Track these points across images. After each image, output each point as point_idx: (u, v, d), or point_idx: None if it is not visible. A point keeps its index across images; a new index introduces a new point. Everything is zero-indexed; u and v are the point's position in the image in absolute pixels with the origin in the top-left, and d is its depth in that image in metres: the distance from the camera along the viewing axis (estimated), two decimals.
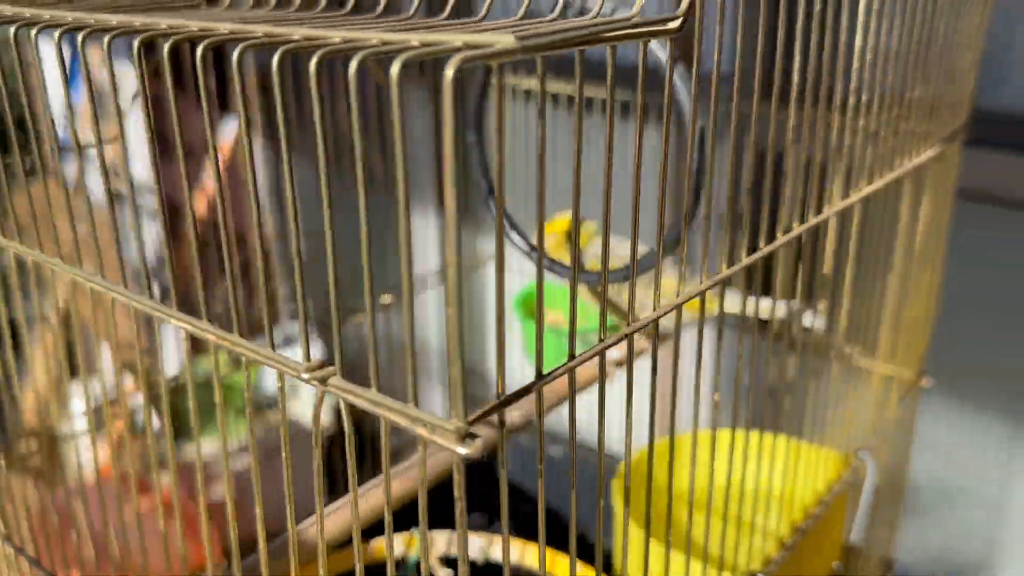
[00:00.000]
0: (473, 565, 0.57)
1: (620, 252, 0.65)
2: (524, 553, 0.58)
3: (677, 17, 0.33)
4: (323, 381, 0.31)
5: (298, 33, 0.29)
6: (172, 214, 2.24)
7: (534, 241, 0.55)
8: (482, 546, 0.57)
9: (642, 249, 0.60)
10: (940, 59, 0.59)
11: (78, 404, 1.35)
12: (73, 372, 1.25)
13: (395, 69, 0.24)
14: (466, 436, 0.28)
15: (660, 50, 0.50)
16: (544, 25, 0.31)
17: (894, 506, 0.77)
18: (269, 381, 1.70)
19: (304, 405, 1.31)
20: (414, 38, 0.27)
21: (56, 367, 1.46)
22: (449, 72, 0.24)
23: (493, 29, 0.32)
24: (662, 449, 0.47)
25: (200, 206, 1.86)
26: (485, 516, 0.89)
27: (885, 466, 0.72)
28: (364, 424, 1.35)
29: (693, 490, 0.46)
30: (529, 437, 0.90)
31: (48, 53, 0.38)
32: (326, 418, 1.60)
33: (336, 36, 0.29)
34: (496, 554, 0.57)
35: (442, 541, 0.58)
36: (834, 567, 0.65)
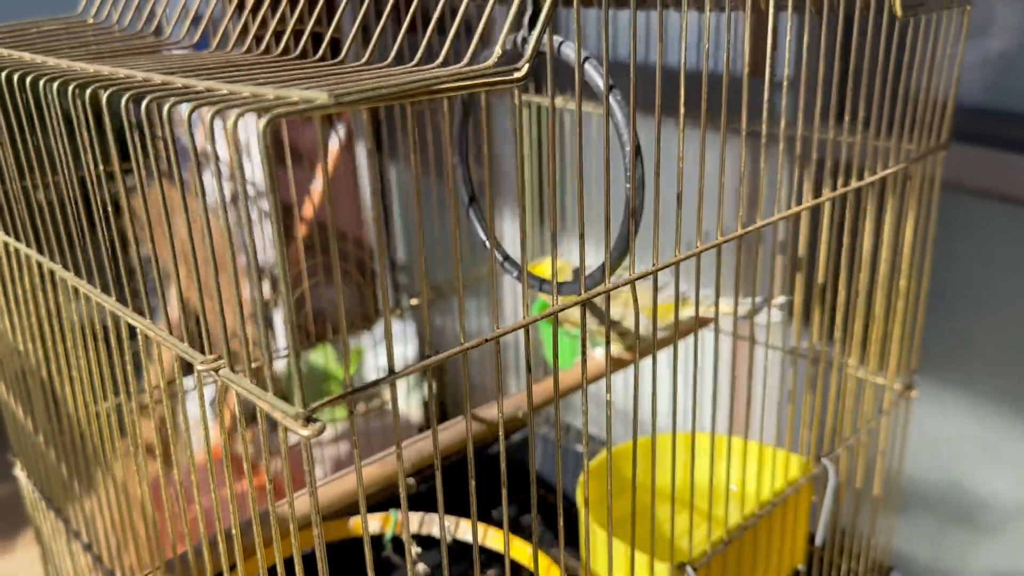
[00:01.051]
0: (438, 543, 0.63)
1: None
2: (486, 534, 0.64)
3: (520, 68, 0.38)
4: (216, 371, 0.37)
5: (180, 81, 0.36)
6: (286, 214, 2.38)
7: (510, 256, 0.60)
8: (448, 527, 0.63)
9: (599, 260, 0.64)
10: (891, 88, 0.61)
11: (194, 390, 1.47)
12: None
13: (207, 116, 0.30)
14: (308, 420, 0.34)
15: (598, 77, 0.55)
16: (395, 74, 0.37)
17: (887, 511, 0.78)
18: (370, 374, 1.80)
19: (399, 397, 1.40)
20: (251, 90, 0.33)
21: (170, 363, 1.60)
22: (260, 125, 0.30)
23: (359, 75, 0.38)
24: (640, 446, 0.52)
25: (307, 208, 1.99)
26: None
27: (872, 471, 0.74)
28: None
29: (654, 486, 0.51)
30: (548, 428, 0.95)
31: None
32: (416, 412, 1.70)
33: (201, 84, 0.35)
34: (461, 534, 0.63)
35: (415, 520, 0.64)
36: (799, 569, 0.68)
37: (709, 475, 0.58)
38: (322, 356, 1.91)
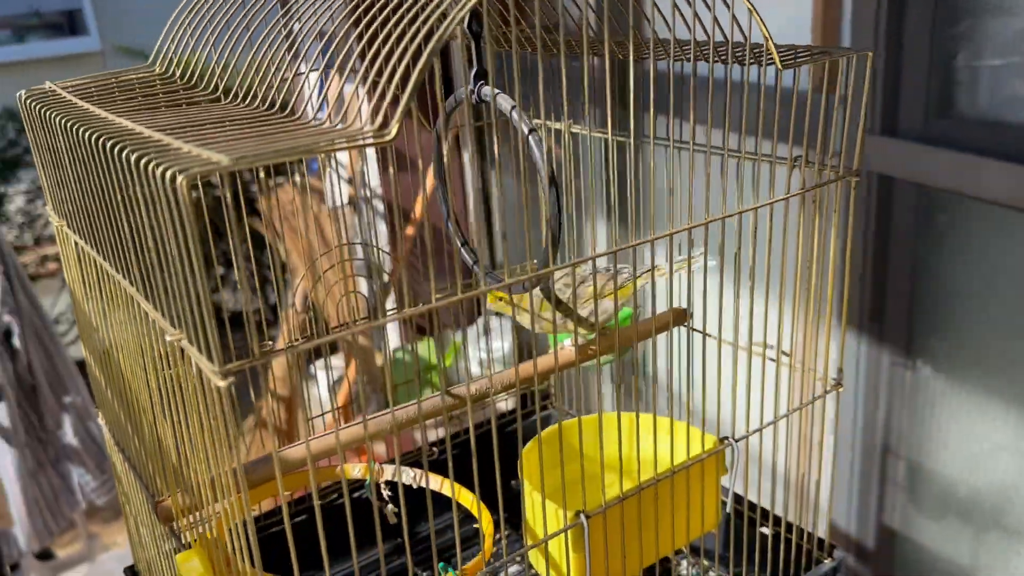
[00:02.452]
0: (409, 488, 0.78)
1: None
2: (442, 484, 0.78)
3: (391, 131, 0.52)
4: (178, 342, 0.54)
5: (159, 135, 0.52)
6: (404, 217, 2.60)
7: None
8: (414, 476, 0.78)
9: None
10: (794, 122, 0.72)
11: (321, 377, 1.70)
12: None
13: (138, 157, 0.46)
14: (226, 375, 0.49)
15: (521, 123, 0.68)
16: (301, 134, 0.52)
17: (820, 494, 0.88)
18: (472, 365, 1.98)
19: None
20: (191, 148, 0.49)
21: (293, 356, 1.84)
22: (178, 181, 0.45)
23: (283, 133, 0.53)
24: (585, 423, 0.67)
25: (418, 209, 2.20)
26: None
27: (800, 455, 0.85)
28: None
29: (582, 457, 0.64)
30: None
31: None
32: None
33: (170, 140, 0.51)
34: (425, 483, 0.78)
35: (389, 471, 0.79)
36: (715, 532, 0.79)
37: (635, 448, 0.71)
38: (426, 349, 2.10)
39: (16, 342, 2.00)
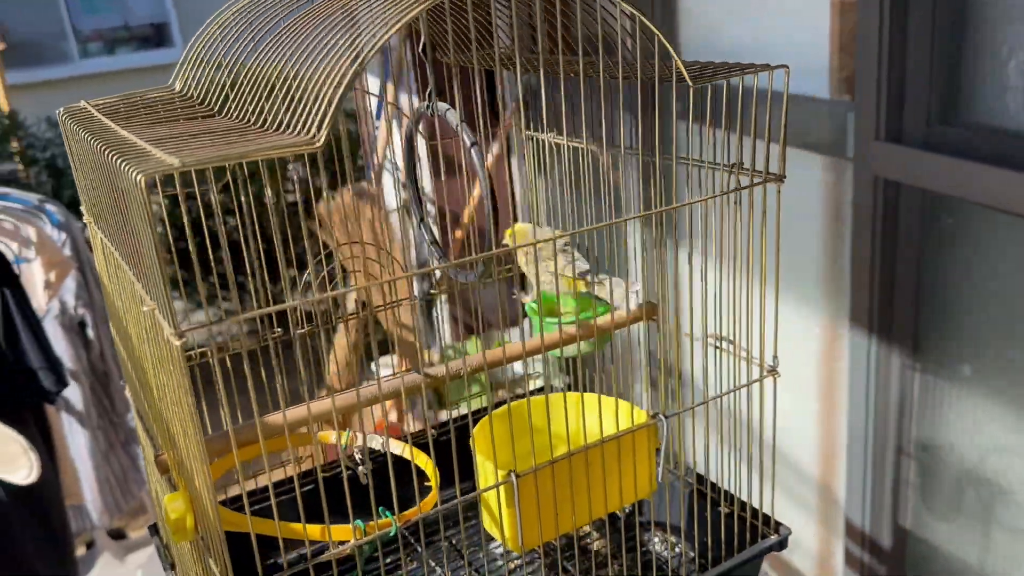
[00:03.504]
0: (376, 452, 0.89)
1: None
2: (404, 449, 0.89)
3: (319, 140, 0.63)
4: (152, 311, 0.65)
5: (146, 145, 0.64)
6: (454, 221, 2.75)
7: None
8: (382, 442, 0.89)
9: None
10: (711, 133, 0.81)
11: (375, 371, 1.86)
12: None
13: (112, 158, 0.58)
14: (180, 336, 0.61)
15: (466, 138, 0.79)
16: (241, 141, 0.63)
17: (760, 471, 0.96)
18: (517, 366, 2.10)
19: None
20: (160, 153, 0.61)
21: (350, 350, 2.00)
22: (138, 180, 0.57)
23: (235, 140, 0.64)
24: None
25: (465, 215, 2.34)
26: None
27: (738, 434, 0.93)
28: None
29: (532, 430, 0.75)
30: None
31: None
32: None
33: (151, 148, 0.63)
34: (392, 448, 0.88)
35: (361, 437, 0.90)
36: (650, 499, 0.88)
37: (581, 424, 0.81)
38: (473, 347, 2.22)
39: (90, 332, 2.19)
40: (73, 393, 2.18)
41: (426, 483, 0.80)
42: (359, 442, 0.85)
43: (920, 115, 1.37)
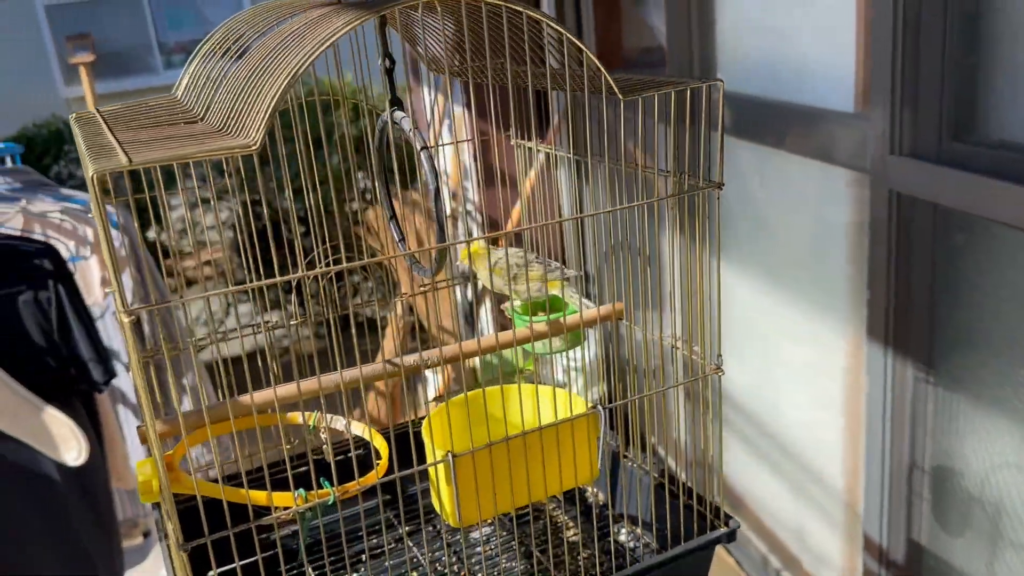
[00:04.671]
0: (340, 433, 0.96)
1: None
2: (365, 431, 0.96)
3: (255, 143, 0.71)
4: (112, 292, 0.74)
5: (120, 147, 0.73)
6: (492, 227, 2.85)
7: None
8: (344, 424, 0.96)
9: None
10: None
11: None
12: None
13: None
14: (129, 315, 0.69)
15: (417, 143, 0.86)
16: (192, 143, 0.71)
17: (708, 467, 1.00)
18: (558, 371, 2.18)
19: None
20: (122, 154, 0.69)
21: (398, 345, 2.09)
22: (92, 174, 0.65)
23: (190, 142, 0.72)
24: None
25: (510, 224, 2.43)
26: None
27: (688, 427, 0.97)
28: None
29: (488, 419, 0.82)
30: None
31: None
32: None
33: (118, 148, 0.72)
34: (352, 429, 0.96)
35: (328, 418, 0.97)
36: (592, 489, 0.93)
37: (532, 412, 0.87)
38: (511, 352, 2.30)
39: (146, 328, 2.33)
40: (128, 384, 2.32)
41: (378, 461, 0.88)
42: (325, 424, 0.93)
43: (934, 130, 1.38)
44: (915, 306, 1.49)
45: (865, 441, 1.68)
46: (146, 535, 2.82)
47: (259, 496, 0.79)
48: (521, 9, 0.75)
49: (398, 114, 0.87)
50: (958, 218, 1.39)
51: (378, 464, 0.87)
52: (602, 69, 0.79)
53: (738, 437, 2.18)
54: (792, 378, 1.94)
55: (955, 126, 1.36)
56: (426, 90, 3.27)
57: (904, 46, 1.36)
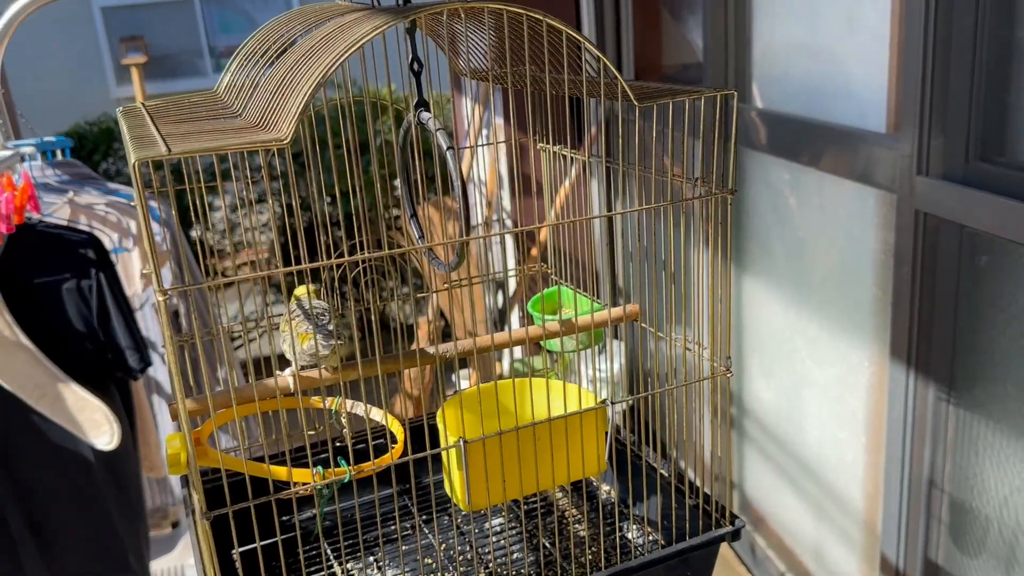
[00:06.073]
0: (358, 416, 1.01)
1: None
2: (382, 416, 1.00)
3: (286, 137, 0.75)
4: (149, 273, 0.79)
5: (160, 139, 0.78)
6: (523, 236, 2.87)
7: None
8: (363, 409, 1.00)
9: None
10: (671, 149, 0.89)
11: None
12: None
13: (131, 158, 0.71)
14: (164, 293, 0.74)
15: (443, 141, 0.90)
16: (229, 134, 0.76)
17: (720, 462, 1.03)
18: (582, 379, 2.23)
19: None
20: (162, 144, 0.74)
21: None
22: (134, 161, 0.70)
23: (231, 134, 0.77)
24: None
25: (543, 231, 2.46)
26: None
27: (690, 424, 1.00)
28: None
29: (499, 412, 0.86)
30: None
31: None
32: None
33: (159, 140, 0.77)
34: (371, 414, 1.00)
35: (348, 403, 1.01)
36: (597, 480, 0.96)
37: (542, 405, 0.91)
38: (540, 362, 2.34)
39: (183, 321, 2.39)
40: (163, 375, 2.38)
41: (394, 445, 0.92)
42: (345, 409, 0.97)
43: (962, 151, 1.40)
44: (938, 326, 1.50)
45: (885, 461, 1.68)
46: (175, 525, 2.88)
47: (279, 471, 0.83)
48: (542, 18, 0.79)
49: (424, 115, 0.91)
50: (984, 239, 1.40)
51: (394, 448, 0.91)
52: (619, 76, 0.83)
53: (763, 456, 2.19)
54: (816, 396, 1.95)
55: (982, 148, 1.37)
56: (466, 99, 3.33)
57: (933, 68, 1.38)
